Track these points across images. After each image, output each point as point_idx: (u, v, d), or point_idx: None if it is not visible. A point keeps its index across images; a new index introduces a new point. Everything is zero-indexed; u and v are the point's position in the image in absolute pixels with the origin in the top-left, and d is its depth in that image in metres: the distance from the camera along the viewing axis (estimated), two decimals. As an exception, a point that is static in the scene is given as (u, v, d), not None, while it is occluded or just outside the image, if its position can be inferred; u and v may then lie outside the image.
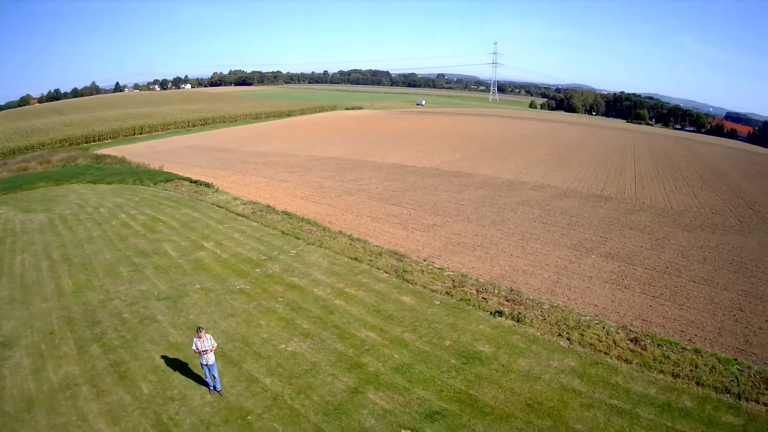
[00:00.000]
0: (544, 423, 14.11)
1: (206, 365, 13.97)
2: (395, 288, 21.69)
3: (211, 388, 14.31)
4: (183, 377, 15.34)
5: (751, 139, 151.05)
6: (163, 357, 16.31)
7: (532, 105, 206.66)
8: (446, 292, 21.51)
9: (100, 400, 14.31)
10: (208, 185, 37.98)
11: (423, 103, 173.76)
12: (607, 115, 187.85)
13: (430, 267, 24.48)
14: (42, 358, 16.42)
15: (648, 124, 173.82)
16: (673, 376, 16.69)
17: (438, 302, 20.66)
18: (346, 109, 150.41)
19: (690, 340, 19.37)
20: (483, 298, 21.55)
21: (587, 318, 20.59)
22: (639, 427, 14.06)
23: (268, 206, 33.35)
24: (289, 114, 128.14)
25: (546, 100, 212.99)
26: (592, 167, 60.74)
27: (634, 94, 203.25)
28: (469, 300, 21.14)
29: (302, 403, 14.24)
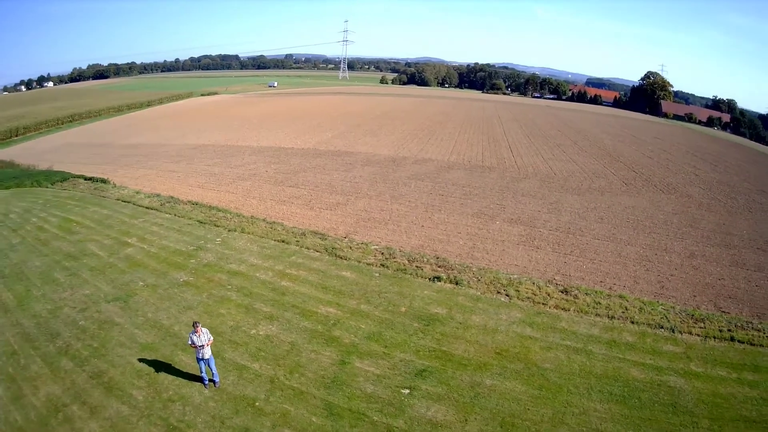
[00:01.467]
0: (516, 366, 18.22)
1: (203, 360, 15.31)
2: (332, 265, 25.27)
3: (206, 382, 15.63)
4: (171, 376, 16.48)
5: (616, 104, 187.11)
6: (141, 360, 17.29)
7: (383, 80, 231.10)
8: (381, 264, 25.29)
9: (98, 416, 14.84)
10: (104, 181, 43.13)
11: (275, 84, 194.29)
12: (460, 87, 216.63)
13: (354, 243, 27.88)
14: (15, 382, 16.50)
15: (504, 93, 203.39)
16: (609, 317, 22.64)
17: (377, 274, 24.32)
18: (202, 95, 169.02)
19: (610, 288, 25.97)
20: (416, 266, 25.54)
21: (515, 276, 26.27)
22: (596, 360, 18.78)
23: (172, 197, 36.94)
24: (149, 104, 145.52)
25: (397, 75, 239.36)
26: (465, 139, 70.22)
27: (488, 65, 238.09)
28: (405, 269, 24.95)
29: (300, 381, 16.42)
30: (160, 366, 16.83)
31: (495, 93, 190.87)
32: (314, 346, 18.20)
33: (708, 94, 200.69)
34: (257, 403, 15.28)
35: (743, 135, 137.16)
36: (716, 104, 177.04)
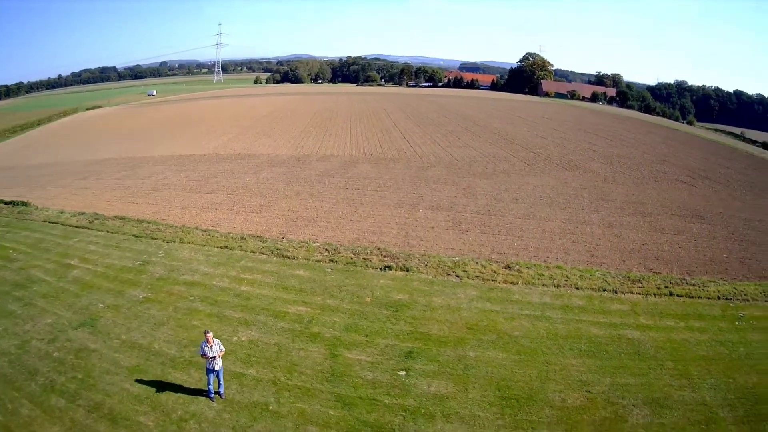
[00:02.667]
0: (490, 337, 20.63)
1: (213, 371, 15.59)
2: (283, 266, 26.42)
3: (212, 394, 15.89)
4: (173, 395, 16.51)
5: (494, 87, 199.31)
6: (134, 384, 17.20)
7: (257, 81, 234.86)
8: (330, 260, 26.81)
9: (114, 452, 14.57)
10: (25, 204, 41.79)
11: (154, 93, 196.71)
12: (333, 81, 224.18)
13: (294, 242, 29.10)
14: (10, 431, 15.54)
15: (379, 85, 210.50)
16: (555, 286, 25.92)
17: (329, 270, 25.79)
18: (87, 109, 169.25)
19: (545, 261, 29.98)
20: (364, 259, 27.41)
21: (457, 258, 29.07)
22: (556, 323, 21.55)
23: (97, 214, 36.50)
24: (39, 123, 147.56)
25: (270, 74, 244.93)
26: (359, 133, 72.75)
27: (361, 57, 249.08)
28: (354, 263, 26.56)
29: (301, 380, 17.41)
30: (156, 387, 16.91)
31: (370, 85, 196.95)
32: (300, 345, 19.27)
33: (591, 71, 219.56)
34: (271, 407, 16.07)
35: (631, 108, 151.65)
36: (600, 80, 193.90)
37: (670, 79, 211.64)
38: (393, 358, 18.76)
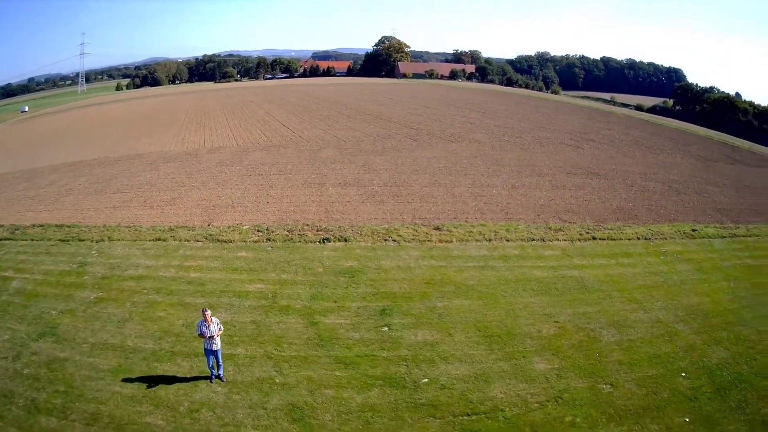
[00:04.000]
0: (449, 288, 21.42)
1: (211, 352, 14.93)
2: (223, 249, 25.70)
3: (213, 377, 15.27)
4: (171, 388, 15.42)
5: (350, 73, 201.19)
6: (125, 382, 15.85)
7: (119, 87, 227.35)
8: (267, 239, 26.49)
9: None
10: None
11: (26, 109, 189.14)
12: (191, 81, 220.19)
13: (223, 228, 28.44)
14: None
15: (237, 80, 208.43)
16: (487, 240, 27.18)
17: (270, 248, 25.50)
18: None
19: (466, 220, 31.74)
20: (299, 235, 27.14)
21: (386, 226, 30.07)
22: (502, 271, 23.02)
23: (14, 225, 32.90)
24: None
25: (130, 79, 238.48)
26: (238, 125, 69.93)
27: (216, 55, 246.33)
28: (292, 239, 26.40)
29: (295, 350, 17.20)
30: (148, 383, 15.72)
31: (228, 81, 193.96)
32: (275, 318, 18.99)
33: (449, 50, 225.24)
34: (277, 380, 15.72)
35: (492, 82, 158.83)
36: (458, 57, 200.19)
37: (531, 52, 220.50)
38: (370, 317, 19.18)
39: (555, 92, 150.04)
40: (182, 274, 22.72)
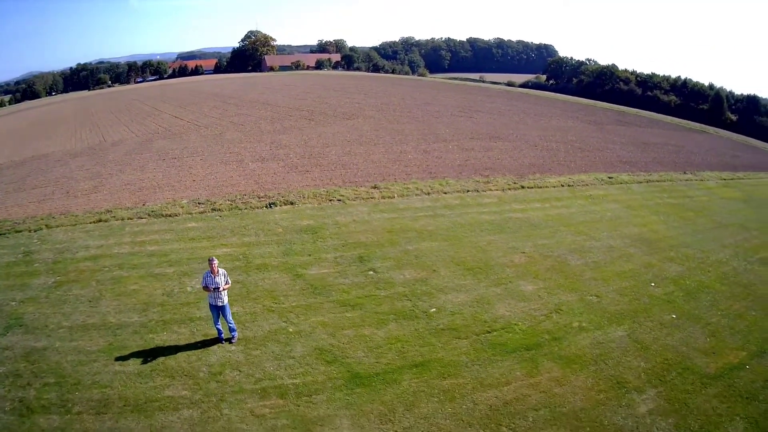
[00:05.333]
0: (411, 234, 21.35)
1: (216, 307, 13.27)
2: (172, 222, 23.55)
3: (222, 338, 13.66)
4: (179, 356, 13.44)
5: (218, 70, 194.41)
6: (123, 360, 13.56)
7: (1, 104, 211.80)
8: (212, 210, 24.80)
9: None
10: None
11: None
12: (66, 91, 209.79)
13: (160, 204, 26.19)
14: None
15: (110, 85, 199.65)
16: (426, 194, 26.80)
17: (219, 217, 23.92)
18: None
19: (395, 180, 32.25)
20: (243, 203, 25.39)
21: (323, 190, 29.61)
22: (453, 218, 23.58)
23: None
24: None
25: (11, 95, 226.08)
26: (130, 120, 63.91)
27: (88, 63, 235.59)
28: (237, 207, 24.97)
29: (295, 300, 16.36)
30: (150, 357, 13.66)
31: (102, 87, 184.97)
32: (258, 276, 17.84)
33: (313, 42, 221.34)
34: (291, 329, 14.78)
35: (359, 69, 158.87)
36: (323, 47, 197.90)
37: (396, 38, 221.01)
38: (351, 264, 18.75)
39: (422, 75, 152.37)
40: (139, 249, 20.56)
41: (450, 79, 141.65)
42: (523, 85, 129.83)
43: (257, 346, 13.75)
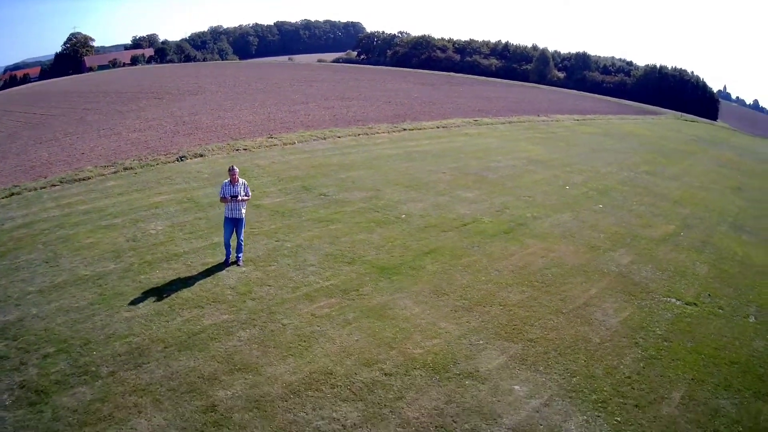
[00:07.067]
0: (335, 168, 20.83)
1: (233, 220, 11.97)
2: (89, 185, 20.00)
3: (228, 260, 12.25)
4: (193, 287, 11.45)
5: (43, 75, 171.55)
6: (127, 305, 10.90)
7: None
8: (124, 169, 21.98)
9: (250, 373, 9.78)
10: None
11: None
12: None
13: (69, 173, 22.21)
14: None
15: None
16: (323, 138, 27.14)
17: (135, 174, 21.25)
18: None
19: (280, 133, 31.97)
20: (153, 160, 22.86)
21: (223, 144, 27.58)
22: (360, 153, 23.81)
23: None
24: None
25: None
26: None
27: None
28: (149, 164, 22.52)
29: (271, 225, 15.49)
30: (161, 294, 11.36)
31: None
32: (218, 211, 15.40)
33: (128, 40, 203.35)
34: (288, 244, 13.76)
35: (172, 61, 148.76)
36: (137, 43, 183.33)
37: (205, 28, 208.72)
38: (300, 193, 18.21)
39: (232, 60, 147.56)
40: (69, 210, 17.19)
41: (259, 64, 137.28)
42: (335, 61, 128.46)
43: (268, 263, 12.67)
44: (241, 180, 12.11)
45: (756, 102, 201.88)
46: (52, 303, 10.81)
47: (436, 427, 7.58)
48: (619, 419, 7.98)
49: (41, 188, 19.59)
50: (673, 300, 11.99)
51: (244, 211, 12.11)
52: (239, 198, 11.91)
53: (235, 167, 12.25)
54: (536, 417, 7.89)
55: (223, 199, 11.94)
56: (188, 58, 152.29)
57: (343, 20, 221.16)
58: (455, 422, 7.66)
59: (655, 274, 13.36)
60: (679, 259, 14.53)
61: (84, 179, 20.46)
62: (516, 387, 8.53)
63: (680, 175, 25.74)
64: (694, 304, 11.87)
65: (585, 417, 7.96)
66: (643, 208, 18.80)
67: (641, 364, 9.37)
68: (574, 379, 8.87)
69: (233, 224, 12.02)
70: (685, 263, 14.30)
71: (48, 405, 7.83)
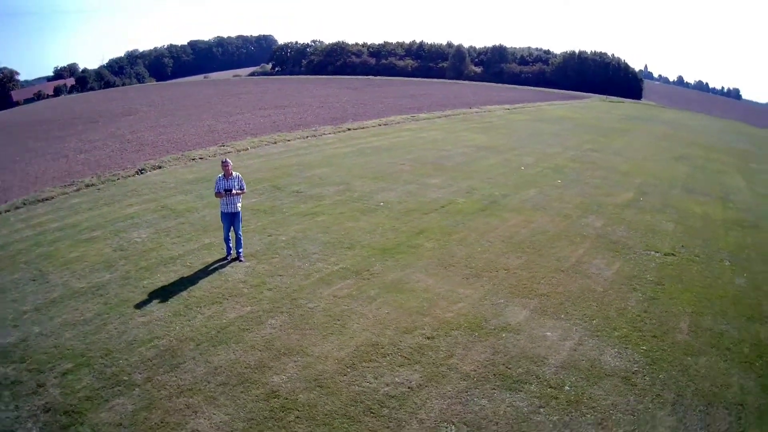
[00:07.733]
0: (296, 168, 20.57)
1: (229, 215, 11.71)
2: (55, 203, 19.17)
3: (229, 255, 11.98)
4: (202, 284, 11.12)
5: None
6: (136, 309, 10.39)
7: None
8: (86, 186, 21.04)
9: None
10: None
11: None
12: None
13: (30, 195, 21.36)
14: None
15: None
16: (313, 137, 28.05)
17: (98, 190, 20.37)
18: None
19: (239, 138, 31.61)
20: (112, 174, 21.51)
21: (177, 155, 27.45)
22: (319, 153, 24.03)
23: None
24: None
25: None
26: None
27: None
28: (110, 179, 20.35)
29: (259, 222, 15.45)
30: (169, 295, 10.89)
31: None
32: (197, 215, 15.73)
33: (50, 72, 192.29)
34: (283, 237, 13.70)
35: (93, 89, 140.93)
36: (59, 74, 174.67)
37: (121, 53, 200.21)
38: (273, 192, 18.13)
39: (150, 83, 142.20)
40: (42, 228, 16.03)
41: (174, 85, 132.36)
42: (251, 75, 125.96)
43: (270, 256, 12.52)
44: (235, 173, 11.79)
45: (680, 78, 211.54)
46: (54, 319, 10.02)
47: (494, 375, 7.98)
48: (644, 348, 8.72)
49: (6, 211, 18.14)
50: (653, 252, 13.09)
51: (239, 204, 11.83)
52: (233, 192, 11.59)
53: (228, 160, 11.95)
54: (575, 355, 8.50)
55: (218, 194, 11.61)
56: (108, 84, 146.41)
57: (255, 34, 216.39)
58: (509, 368, 8.09)
59: (629, 233, 14.46)
60: (646, 219, 15.75)
61: (47, 199, 19.24)
62: (548, 333, 9.09)
63: (623, 151, 27.61)
64: (672, 254, 13.00)
65: (616, 349, 8.66)
66: (599, 181, 20.05)
67: (645, 305, 10.21)
68: (594, 321, 9.60)
69: (230, 219, 11.78)
70: (653, 223, 15.54)
71: (84, 425, 7.05)
